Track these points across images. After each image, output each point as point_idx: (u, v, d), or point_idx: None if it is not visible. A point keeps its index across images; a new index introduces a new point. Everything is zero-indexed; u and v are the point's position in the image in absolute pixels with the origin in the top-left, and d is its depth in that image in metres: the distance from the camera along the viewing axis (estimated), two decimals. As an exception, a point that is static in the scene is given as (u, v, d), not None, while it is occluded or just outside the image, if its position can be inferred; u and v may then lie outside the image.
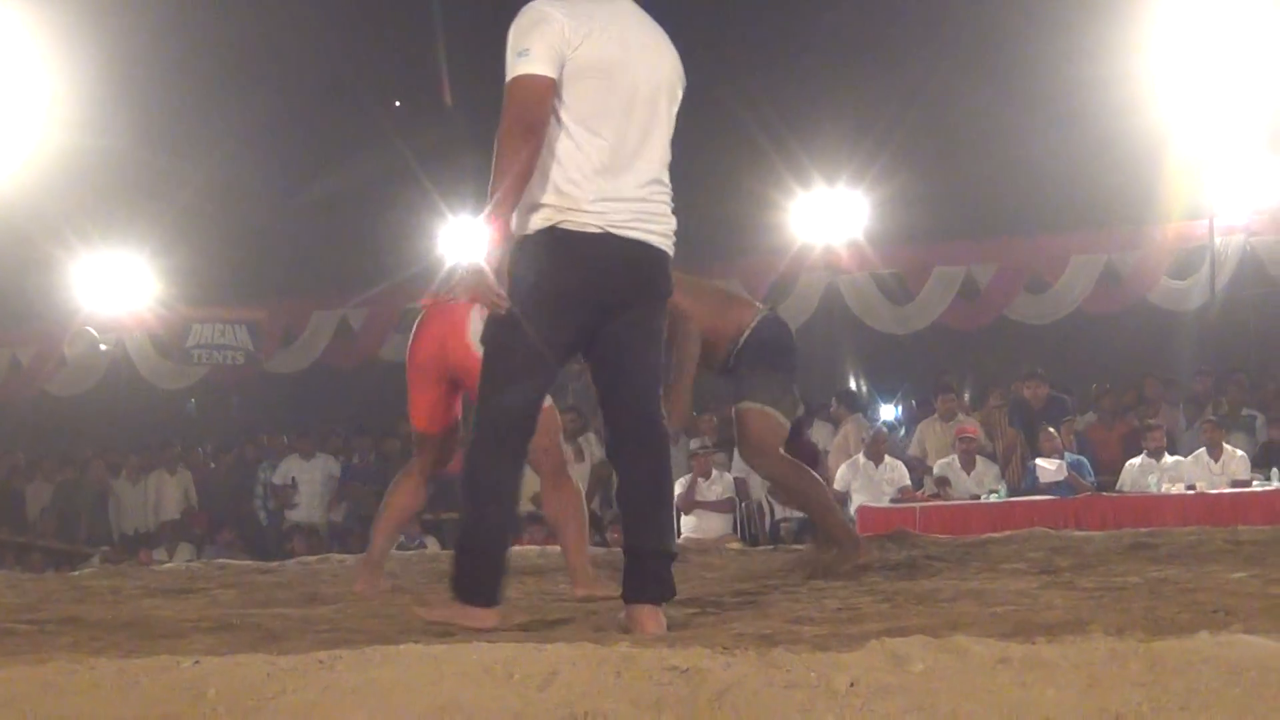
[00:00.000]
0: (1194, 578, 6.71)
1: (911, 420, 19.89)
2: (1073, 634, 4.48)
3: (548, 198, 5.63)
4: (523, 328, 5.58)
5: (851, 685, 3.78)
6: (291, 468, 17.98)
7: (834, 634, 5.00)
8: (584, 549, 7.56)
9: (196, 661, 4.41)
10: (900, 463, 17.53)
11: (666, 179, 5.94)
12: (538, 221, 5.63)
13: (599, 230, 5.61)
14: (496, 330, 5.71)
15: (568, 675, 4.01)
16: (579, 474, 10.16)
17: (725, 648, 4.29)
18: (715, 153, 24.87)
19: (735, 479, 18.09)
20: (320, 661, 4.30)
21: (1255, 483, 16.03)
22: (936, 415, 18.43)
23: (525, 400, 5.71)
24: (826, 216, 23.22)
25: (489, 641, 4.49)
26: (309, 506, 19.51)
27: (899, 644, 3.97)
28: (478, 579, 5.69)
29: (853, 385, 24.69)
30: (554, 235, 5.61)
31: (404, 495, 8.23)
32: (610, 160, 5.69)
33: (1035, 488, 16.49)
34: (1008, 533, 10.84)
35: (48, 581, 10.19)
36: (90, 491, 21.45)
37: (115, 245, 23.97)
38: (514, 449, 5.71)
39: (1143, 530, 10.49)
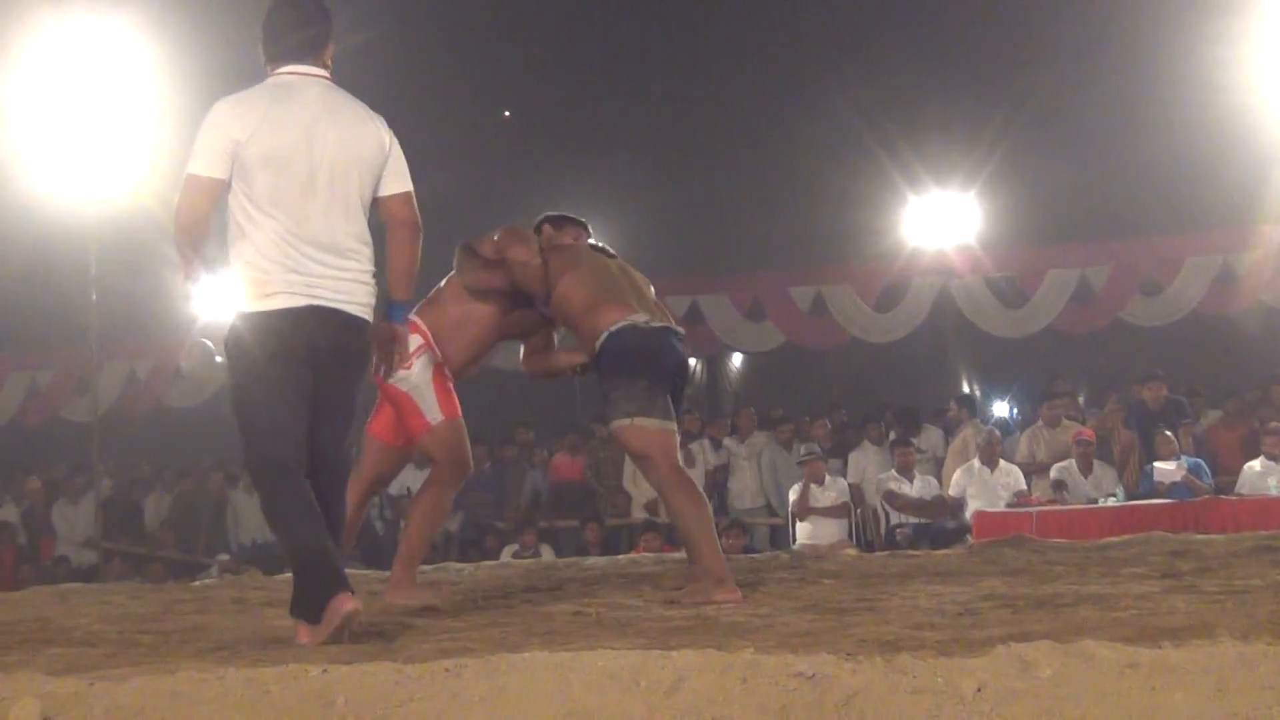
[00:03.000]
0: (1319, 581, 6.66)
1: (1023, 424, 19.74)
2: (1199, 638, 4.46)
3: (243, 278, 6.28)
4: (252, 388, 6.29)
5: (979, 690, 3.79)
6: (407, 479, 18.04)
7: (957, 639, 4.99)
8: (702, 546, 7.55)
9: (325, 670, 4.45)
10: (1015, 467, 17.42)
11: (360, 247, 6.43)
12: (239, 301, 6.31)
13: (284, 307, 6.22)
14: (235, 392, 6.39)
15: (694, 682, 4.03)
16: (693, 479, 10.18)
17: (849, 654, 4.30)
18: (828, 158, 24.92)
19: (850, 485, 18.07)
20: (447, 670, 4.34)
21: (1379, 487, 15.87)
22: (1042, 422, 18.30)
23: (278, 439, 6.23)
24: (939, 220, 23.12)
25: (614, 649, 4.50)
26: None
27: (1025, 649, 3.97)
28: (324, 582, 6.07)
29: (966, 389, 24.63)
30: (250, 314, 6.28)
31: (349, 507, 8.39)
32: (291, 239, 6.24)
33: (1153, 491, 16.36)
34: (1126, 537, 10.76)
35: (169, 592, 10.30)
36: (209, 502, 21.60)
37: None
38: (287, 477, 6.24)
39: (1264, 534, 10.38)
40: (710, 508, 7.76)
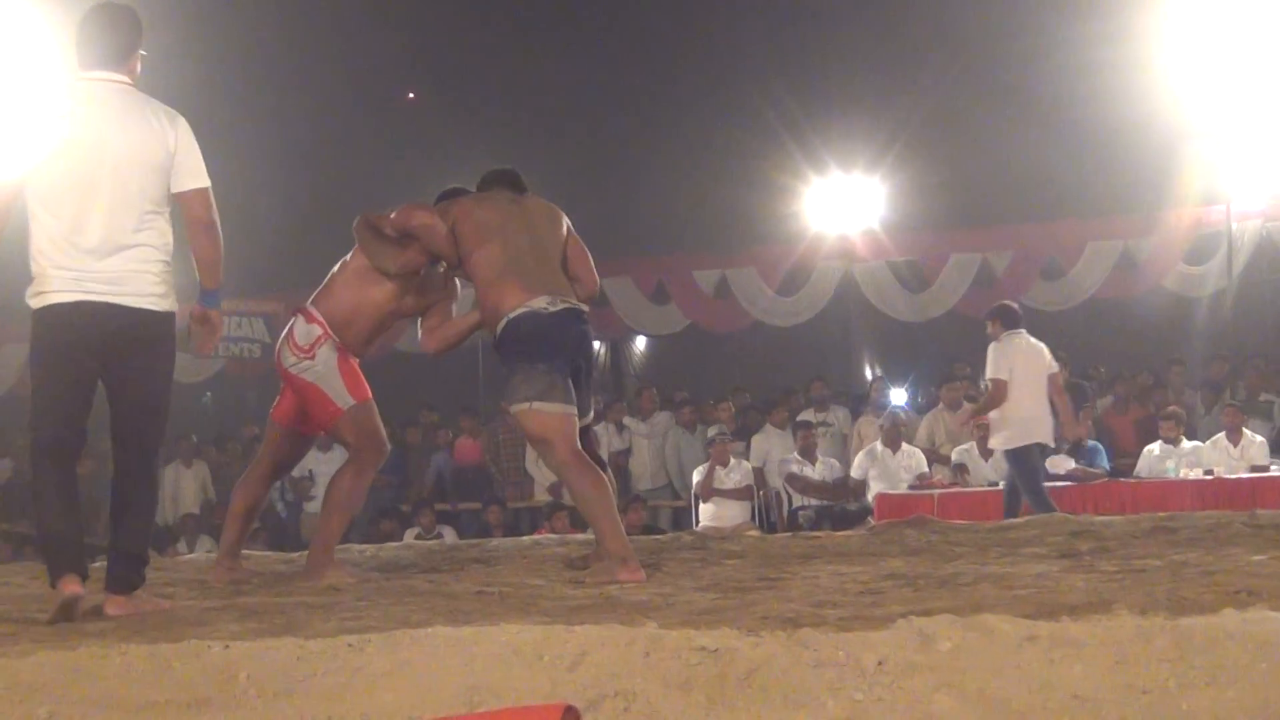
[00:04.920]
0: (1215, 560, 6.71)
1: (925, 407, 19.82)
2: (1097, 613, 4.50)
3: (34, 274, 6.56)
4: (36, 377, 6.61)
5: (880, 664, 3.81)
6: (309, 460, 17.95)
7: (858, 616, 5.01)
8: (604, 528, 7.57)
9: (227, 646, 4.44)
10: (918, 450, 17.52)
11: (143, 241, 6.63)
12: (30, 298, 6.58)
13: (56, 302, 6.49)
14: (31, 379, 6.70)
15: (597, 656, 4.04)
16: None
17: (752, 629, 4.31)
18: (733, 142, 24.97)
19: (753, 468, 18.13)
20: (350, 645, 4.33)
21: (1274, 467, 16.03)
22: (942, 405, 18.38)
23: (50, 425, 6.58)
24: (842, 204, 23.20)
25: (518, 623, 4.50)
26: (327, 498, 19.46)
27: (926, 623, 4.00)
28: (57, 563, 6.43)
29: (869, 373, 24.72)
30: (38, 310, 6.55)
31: (251, 489, 8.42)
32: (65, 237, 6.50)
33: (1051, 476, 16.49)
34: (1026, 518, 10.83)
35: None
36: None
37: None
38: (50, 461, 6.62)
39: (1161, 515, 10.45)
40: (611, 489, 7.76)
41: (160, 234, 6.67)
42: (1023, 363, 14.60)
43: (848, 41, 26.05)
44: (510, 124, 26.81)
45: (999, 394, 14.56)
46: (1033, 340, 14.89)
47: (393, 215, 8.02)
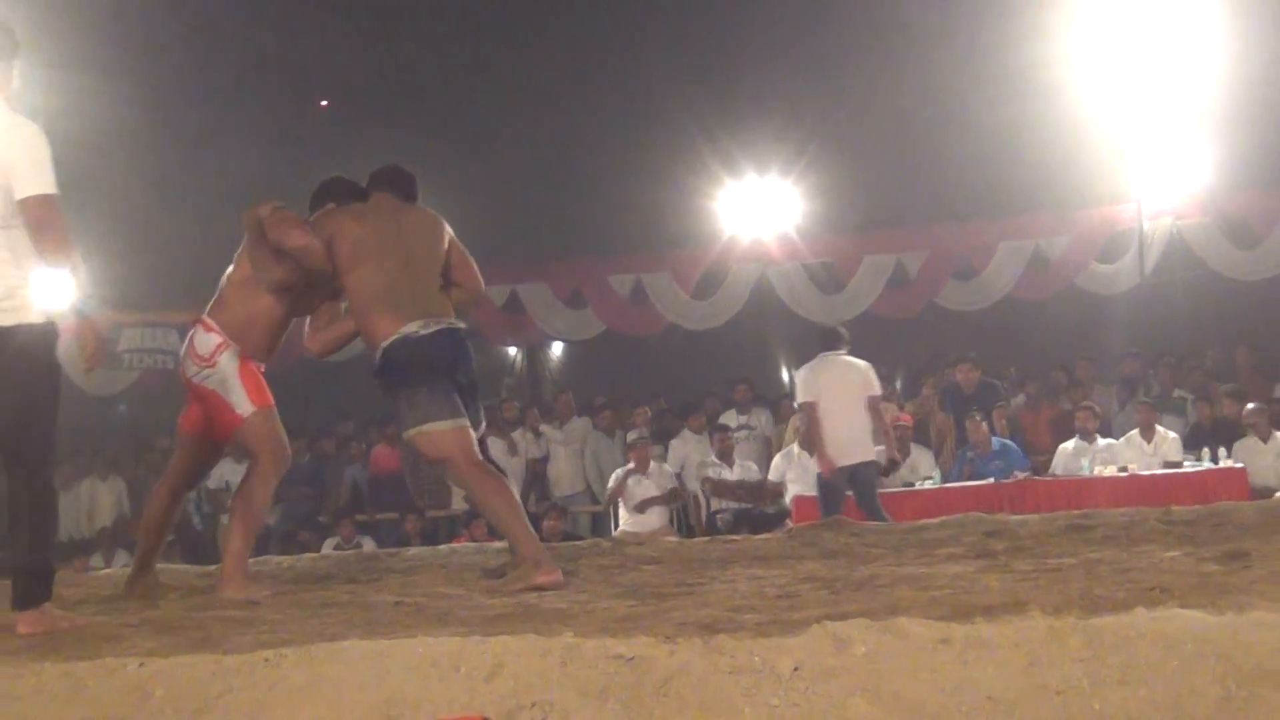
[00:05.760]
0: (1129, 557, 6.76)
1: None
2: (1012, 614, 4.52)
3: None
4: None
5: (796, 669, 3.82)
6: (225, 471, 17.84)
7: (775, 620, 5.02)
8: (516, 533, 7.61)
9: (141, 664, 4.41)
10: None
11: None
12: None
13: None
14: None
15: (513, 666, 4.04)
16: (513, 468, 10.18)
17: (668, 636, 4.31)
18: (648, 146, 24.95)
19: (672, 472, 18.14)
20: (266, 660, 4.31)
21: (1187, 463, 16.15)
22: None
23: None
24: (757, 207, 23.27)
25: (434, 636, 4.49)
26: (243, 510, 19.32)
27: (841, 627, 4.01)
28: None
29: (785, 376, 24.76)
30: None
31: (162, 502, 8.35)
32: None
33: (968, 473, 16.57)
34: (942, 518, 10.88)
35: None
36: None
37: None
38: None
39: (1077, 512, 10.51)
40: (516, 495, 7.85)
41: (7, 247, 6.58)
42: (833, 384, 14.84)
43: (762, 46, 26.09)
44: (424, 132, 26.71)
45: (812, 416, 14.88)
46: (852, 361, 15.13)
47: (269, 230, 7.94)
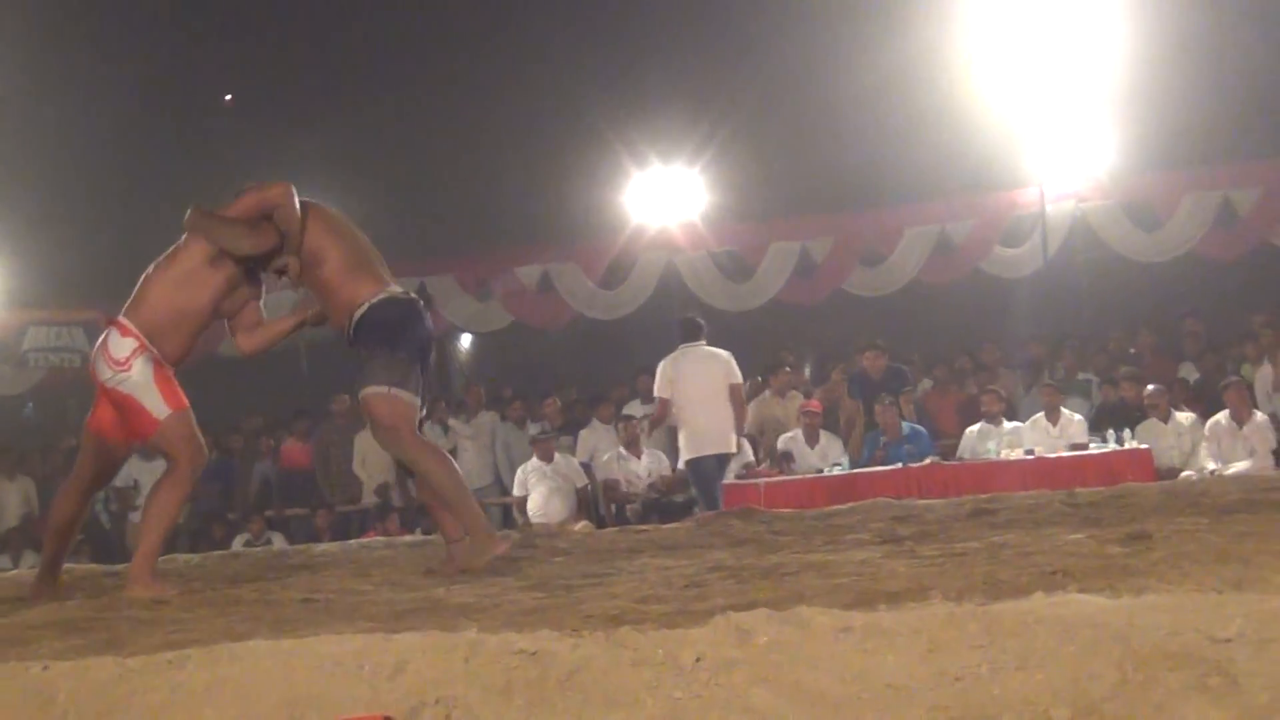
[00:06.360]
0: (1033, 541, 6.82)
1: (749, 395, 19.90)
2: (914, 601, 4.58)
3: None
4: None
5: (698, 660, 3.84)
6: (133, 469, 17.74)
7: (681, 610, 5.06)
8: (465, 506, 7.77)
9: (45, 666, 4.39)
10: (744, 439, 17.60)
11: None
12: None
13: None
14: None
15: (417, 664, 4.04)
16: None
17: (573, 629, 4.33)
18: (552, 134, 24.98)
19: (581, 463, 18.17)
20: (169, 661, 4.29)
21: (1092, 445, 16.27)
22: (770, 391, 18.51)
23: None
24: (663, 196, 23.28)
25: (339, 634, 4.50)
26: (152, 507, 19.20)
27: (743, 618, 4.03)
28: None
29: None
30: None
31: (69, 503, 8.30)
32: None
33: (876, 458, 16.65)
34: (851, 505, 10.93)
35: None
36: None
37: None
38: None
39: (983, 496, 10.59)
40: (459, 473, 7.98)
41: None
42: (692, 376, 15.24)
43: (666, 35, 26.15)
44: (328, 124, 26.63)
45: (661, 411, 15.57)
46: (712, 351, 15.50)
47: (245, 196, 7.95)
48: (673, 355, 15.41)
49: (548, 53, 26.51)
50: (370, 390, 7.78)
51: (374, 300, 7.84)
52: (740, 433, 15.70)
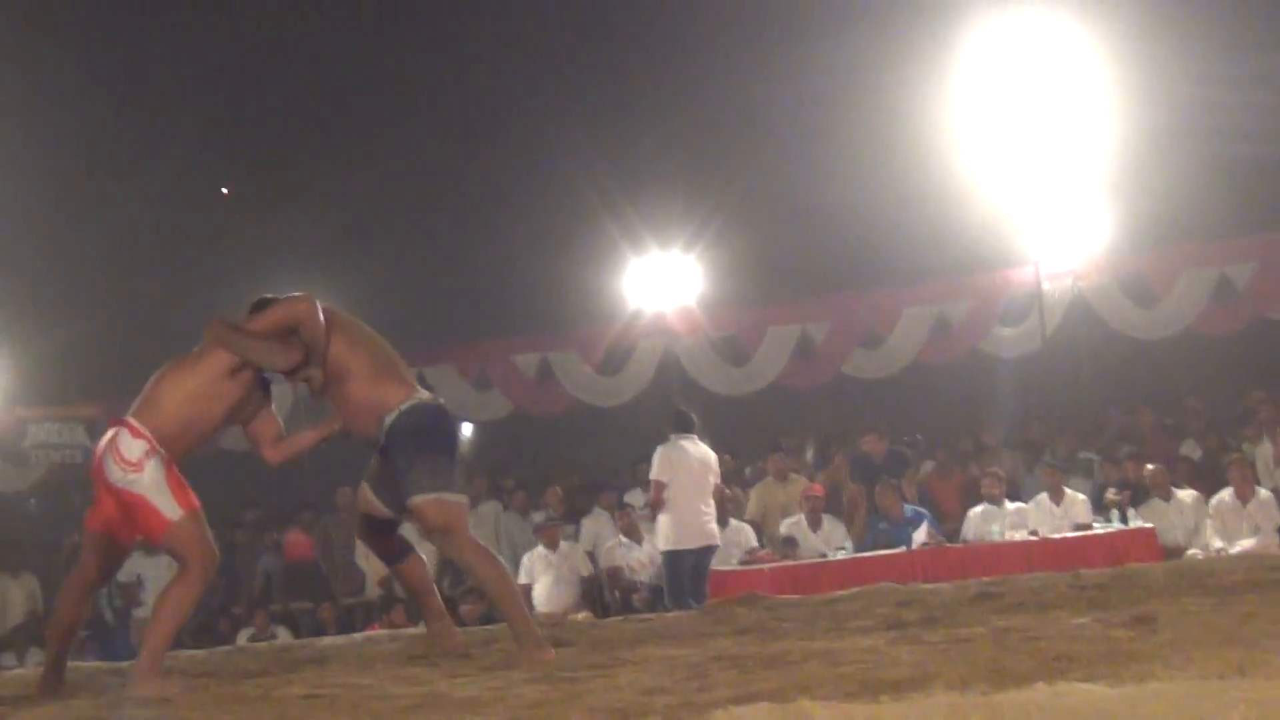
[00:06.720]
0: (1038, 625, 6.81)
1: (751, 480, 19.87)
2: (917, 690, 4.56)
3: None
4: None
5: (702, 757, 3.84)
6: (136, 565, 17.73)
7: (685, 703, 5.04)
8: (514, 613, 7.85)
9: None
10: (747, 525, 17.57)
11: None
12: None
13: None
14: None
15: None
16: (428, 551, 10.19)
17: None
18: (550, 219, 25.06)
19: (585, 552, 18.15)
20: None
21: (1096, 525, 16.24)
22: (770, 476, 18.51)
23: None
24: (660, 282, 23.31)
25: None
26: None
27: (745, 711, 4.03)
28: None
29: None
30: None
31: (73, 600, 8.30)
32: None
33: (884, 543, 16.60)
34: (855, 590, 10.91)
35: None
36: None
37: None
38: None
39: (988, 579, 10.59)
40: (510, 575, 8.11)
41: None
42: (686, 468, 15.50)
43: (662, 124, 26.24)
44: (326, 215, 26.72)
45: (657, 495, 15.59)
46: (702, 446, 15.81)
47: (270, 310, 7.99)
48: (666, 445, 15.61)
49: (543, 142, 26.59)
50: (421, 499, 7.80)
51: (404, 407, 7.89)
52: (722, 525, 15.95)
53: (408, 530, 8.91)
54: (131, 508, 7.87)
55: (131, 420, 7.85)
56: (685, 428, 15.68)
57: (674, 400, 19.32)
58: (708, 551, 15.65)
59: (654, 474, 15.61)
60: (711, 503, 15.55)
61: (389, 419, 7.87)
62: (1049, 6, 20.55)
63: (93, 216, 24.71)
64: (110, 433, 7.96)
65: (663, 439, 15.82)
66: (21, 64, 22.98)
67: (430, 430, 7.92)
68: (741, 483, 19.51)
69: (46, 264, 23.89)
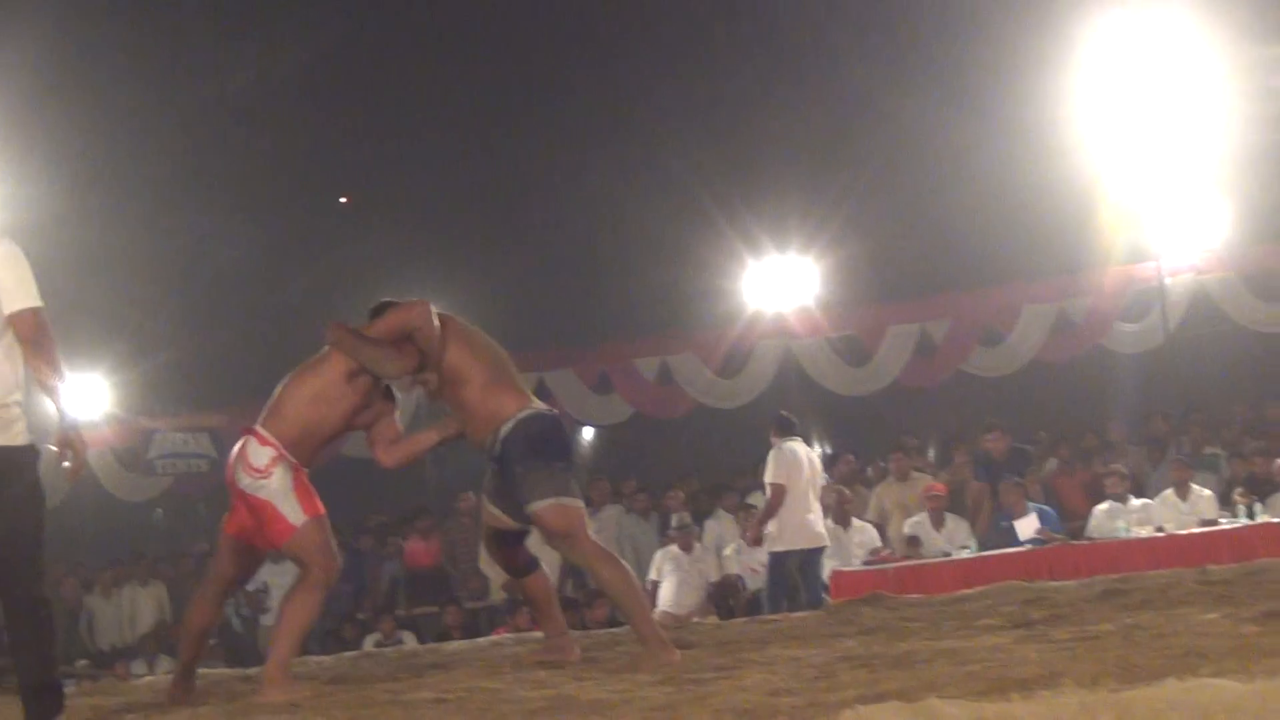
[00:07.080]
0: (1166, 621, 6.76)
1: (873, 481, 19.79)
2: (1046, 688, 4.54)
3: None
4: None
5: (832, 756, 3.84)
6: (263, 572, 17.87)
7: (812, 703, 5.04)
8: (638, 615, 7.96)
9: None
10: (869, 525, 17.50)
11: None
12: None
13: None
14: None
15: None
16: (550, 557, 10.26)
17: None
18: (667, 223, 25.06)
19: (714, 549, 18.15)
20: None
21: (1223, 520, 16.07)
22: (892, 476, 18.45)
23: None
24: (778, 283, 23.27)
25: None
26: (283, 610, 19.28)
27: (874, 711, 4.02)
28: None
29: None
30: None
31: (206, 606, 8.40)
32: None
33: (1005, 540, 16.49)
34: (981, 588, 10.86)
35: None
36: (61, 609, 21.20)
37: (69, 363, 23.94)
38: None
39: (1114, 576, 10.52)
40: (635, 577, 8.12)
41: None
42: (799, 470, 15.60)
43: (779, 124, 26.23)
44: (445, 221, 26.88)
45: (778, 498, 15.58)
46: (808, 449, 16.17)
47: (387, 316, 8.07)
48: (779, 448, 15.67)
49: (660, 146, 26.63)
50: (540, 505, 7.89)
51: (520, 416, 7.98)
52: (844, 526, 16.26)
53: (532, 540, 8.94)
54: (259, 512, 7.96)
55: (259, 429, 7.96)
56: (789, 431, 15.77)
57: (794, 401, 19.30)
58: (817, 552, 15.73)
59: (770, 478, 15.64)
60: (818, 504, 15.60)
61: (505, 429, 7.95)
62: (1167, 2, 20.36)
63: (218, 230, 24.95)
64: (240, 441, 8.06)
65: (768, 445, 15.89)
66: (161, 83, 23.31)
67: (546, 439, 8.02)
68: (863, 482, 19.42)
69: (173, 276, 24.16)
